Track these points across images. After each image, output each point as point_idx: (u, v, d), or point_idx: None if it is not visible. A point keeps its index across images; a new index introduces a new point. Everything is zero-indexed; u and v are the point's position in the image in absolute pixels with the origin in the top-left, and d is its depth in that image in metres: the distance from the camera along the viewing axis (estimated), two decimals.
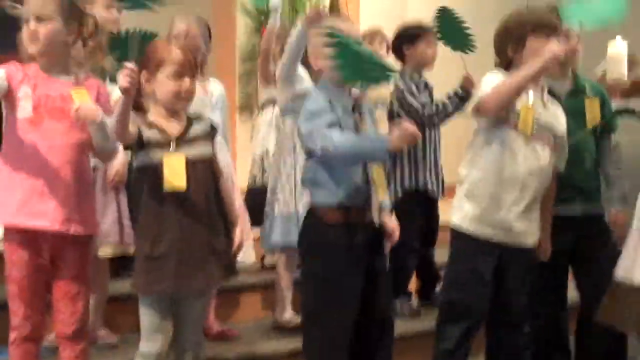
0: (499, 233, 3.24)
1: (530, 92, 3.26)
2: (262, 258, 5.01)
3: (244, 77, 7.10)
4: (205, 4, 5.57)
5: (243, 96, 6.97)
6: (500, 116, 3.20)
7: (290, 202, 3.97)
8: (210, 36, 4.07)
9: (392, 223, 3.05)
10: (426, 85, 4.47)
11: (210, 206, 2.95)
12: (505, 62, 3.33)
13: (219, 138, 3.83)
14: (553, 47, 3.11)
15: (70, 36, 2.99)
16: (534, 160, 3.25)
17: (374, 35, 4.83)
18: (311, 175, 3.00)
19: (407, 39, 4.49)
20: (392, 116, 4.37)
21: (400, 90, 4.33)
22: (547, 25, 3.25)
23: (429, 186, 4.40)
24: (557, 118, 3.39)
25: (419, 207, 4.39)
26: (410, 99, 4.31)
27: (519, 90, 3.14)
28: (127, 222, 3.65)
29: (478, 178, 3.26)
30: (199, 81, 3.63)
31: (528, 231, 3.29)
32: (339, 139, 2.84)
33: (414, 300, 4.59)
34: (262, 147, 4.77)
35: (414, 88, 4.35)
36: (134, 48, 2.88)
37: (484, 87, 3.22)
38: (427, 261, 4.58)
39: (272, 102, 4.70)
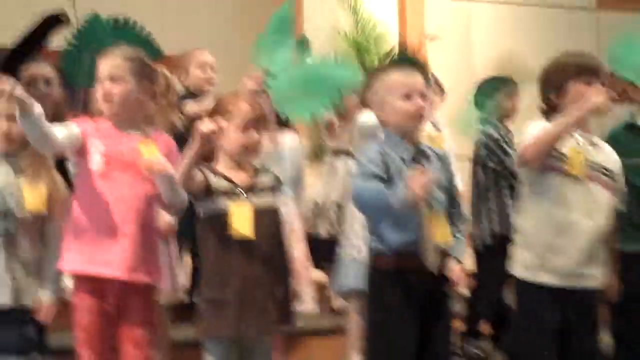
0: (561, 279, 3.15)
1: (577, 134, 3.19)
2: (330, 302, 5.00)
3: (314, 126, 7.13)
4: None
5: (313, 144, 7.00)
6: (544, 164, 3.13)
7: (363, 247, 3.92)
8: None
9: (456, 271, 2.99)
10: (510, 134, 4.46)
11: (274, 255, 2.99)
12: (549, 108, 3.27)
13: (286, 190, 3.88)
14: (595, 98, 3.06)
15: (143, 95, 3.06)
16: (590, 203, 3.17)
17: None
18: (370, 223, 3.02)
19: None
20: (477, 162, 4.39)
21: (495, 140, 4.31)
22: (589, 70, 3.20)
23: None
24: (610, 157, 3.31)
25: (505, 252, 4.33)
26: (507, 149, 4.32)
27: (557, 139, 3.08)
28: (177, 269, 3.70)
29: (531, 228, 3.20)
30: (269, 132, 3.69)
31: (593, 274, 3.19)
32: (361, 189, 2.87)
33: (487, 344, 4.51)
34: (310, 196, 4.83)
35: (506, 139, 4.35)
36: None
37: (526, 136, 3.17)
38: (501, 304, 4.50)
39: (334, 151, 4.78)
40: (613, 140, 3.66)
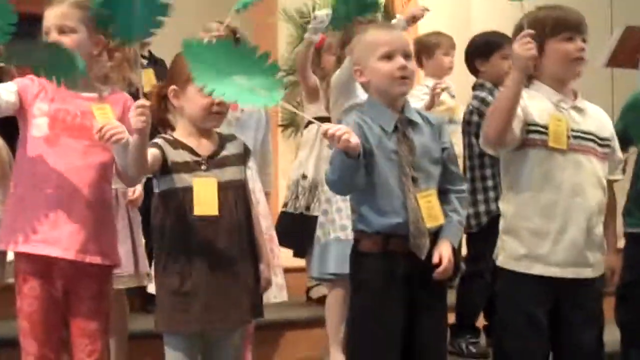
0: (551, 269, 3.09)
1: (553, 100, 3.13)
2: (308, 290, 4.99)
3: (288, 91, 7.08)
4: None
5: (286, 112, 6.97)
6: (513, 140, 3.06)
7: (349, 225, 3.90)
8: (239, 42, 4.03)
9: (440, 253, 2.95)
10: None
11: (242, 236, 2.95)
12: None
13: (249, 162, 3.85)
14: (516, 50, 2.97)
15: (96, 48, 3.01)
16: (579, 178, 3.09)
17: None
18: (352, 202, 3.04)
19: (480, 53, 4.47)
20: (470, 132, 4.35)
21: (489, 104, 4.19)
22: (568, 25, 3.12)
23: None
24: (600, 121, 3.24)
25: None
26: None
27: (510, 110, 2.98)
28: (141, 251, 3.67)
29: (514, 213, 3.14)
30: None
31: (589, 261, 3.12)
32: (328, 171, 2.89)
33: (482, 339, 4.51)
34: (298, 171, 4.80)
35: None
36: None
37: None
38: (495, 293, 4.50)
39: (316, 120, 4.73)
40: (632, 107, 3.65)
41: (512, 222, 3.15)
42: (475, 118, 4.34)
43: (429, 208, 2.95)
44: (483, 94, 4.36)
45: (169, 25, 2.91)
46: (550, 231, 3.08)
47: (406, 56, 3.00)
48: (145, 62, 4.43)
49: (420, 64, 5.21)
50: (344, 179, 2.86)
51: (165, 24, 2.87)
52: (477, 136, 4.23)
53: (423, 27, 5.96)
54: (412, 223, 2.91)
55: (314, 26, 4.36)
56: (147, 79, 4.16)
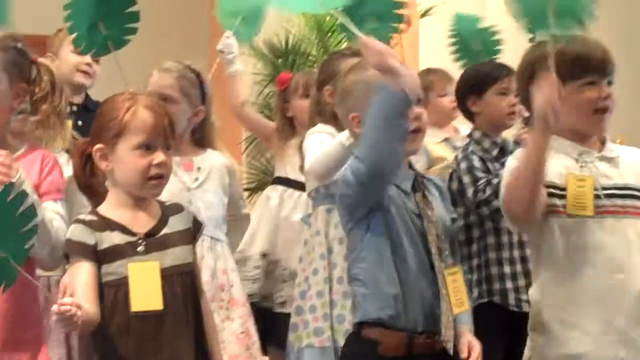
0: None
1: (573, 154, 3.09)
2: None
3: (255, 144, 7.06)
4: (199, 44, 5.52)
5: (253, 171, 6.89)
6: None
7: (325, 329, 3.86)
8: (203, 89, 3.96)
9: (470, 344, 2.98)
10: (502, 151, 4.19)
11: (190, 336, 2.86)
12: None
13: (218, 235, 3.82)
14: (538, 100, 2.89)
15: (17, 100, 3.01)
16: (619, 247, 3.01)
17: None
18: (356, 287, 2.98)
19: (471, 90, 4.30)
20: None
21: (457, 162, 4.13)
22: (590, 65, 3.05)
23: (510, 298, 4.12)
24: (637, 168, 3.14)
25: (498, 325, 4.13)
26: (466, 176, 4.07)
27: (535, 181, 2.93)
28: (77, 357, 3.59)
29: (542, 302, 3.09)
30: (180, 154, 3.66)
31: None
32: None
33: None
34: (252, 247, 4.69)
35: (475, 161, 4.11)
36: None
37: (505, 177, 3.06)
38: None
39: (280, 181, 4.75)
40: None
41: (540, 314, 3.09)
42: (454, 185, 4.14)
43: (455, 289, 2.97)
44: (459, 152, 4.23)
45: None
46: (590, 322, 3.01)
47: (419, 100, 2.97)
48: (74, 108, 4.30)
49: None
50: (384, 123, 2.80)
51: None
52: (454, 204, 4.09)
53: (426, 56, 5.95)
54: (444, 310, 2.89)
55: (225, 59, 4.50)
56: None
